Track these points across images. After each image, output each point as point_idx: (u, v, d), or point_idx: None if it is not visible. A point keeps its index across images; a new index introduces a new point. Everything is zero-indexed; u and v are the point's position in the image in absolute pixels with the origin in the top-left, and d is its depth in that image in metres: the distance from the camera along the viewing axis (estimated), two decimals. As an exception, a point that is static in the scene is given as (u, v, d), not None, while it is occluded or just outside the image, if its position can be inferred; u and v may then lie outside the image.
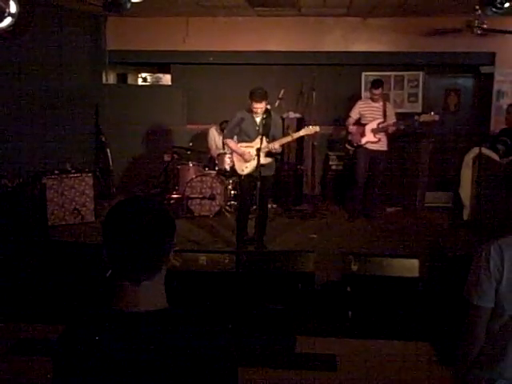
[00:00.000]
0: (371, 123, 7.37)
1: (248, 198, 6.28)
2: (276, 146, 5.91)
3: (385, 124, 7.32)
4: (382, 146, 7.42)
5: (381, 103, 7.42)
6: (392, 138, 7.55)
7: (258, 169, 5.76)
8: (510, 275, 1.94)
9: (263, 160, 5.83)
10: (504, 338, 1.98)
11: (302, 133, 6.13)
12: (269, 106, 6.04)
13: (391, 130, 7.32)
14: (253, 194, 6.28)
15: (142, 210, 1.46)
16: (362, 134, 7.40)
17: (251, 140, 6.01)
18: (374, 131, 7.34)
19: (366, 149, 7.41)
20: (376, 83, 7.43)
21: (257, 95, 5.81)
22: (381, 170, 7.57)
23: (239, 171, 6.13)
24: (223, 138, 6.52)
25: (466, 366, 2.06)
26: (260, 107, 5.84)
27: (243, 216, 6.25)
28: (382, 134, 7.36)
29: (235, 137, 6.20)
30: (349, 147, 7.64)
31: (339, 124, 8.55)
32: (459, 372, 2.11)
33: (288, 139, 6.10)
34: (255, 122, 6.00)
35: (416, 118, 7.25)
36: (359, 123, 7.49)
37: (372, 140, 7.37)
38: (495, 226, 5.75)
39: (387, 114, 7.37)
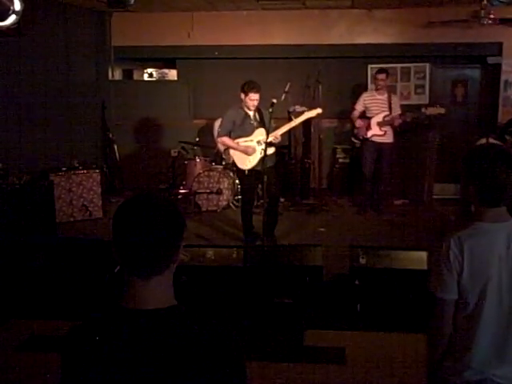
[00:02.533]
0: (377, 116, 7.33)
1: (252, 193, 6.21)
2: (278, 134, 5.81)
3: (390, 117, 7.28)
4: (388, 138, 7.38)
5: (386, 95, 7.37)
6: (398, 131, 7.52)
7: (264, 162, 5.67)
8: (469, 266, 1.96)
9: (267, 150, 5.71)
10: (469, 328, 2.00)
11: (304, 117, 6.01)
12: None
13: (397, 122, 7.28)
14: (255, 188, 6.22)
15: (153, 206, 1.46)
16: (368, 128, 7.36)
17: (248, 135, 5.90)
18: (380, 124, 7.30)
19: (373, 142, 7.37)
20: (381, 69, 7.45)
21: (256, 85, 5.71)
22: (388, 163, 7.52)
23: (242, 166, 5.95)
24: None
25: (436, 358, 2.07)
26: (257, 99, 5.73)
27: (248, 211, 6.13)
28: (388, 126, 7.33)
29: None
30: (355, 141, 7.62)
31: (346, 117, 8.52)
32: (429, 365, 2.12)
33: (291, 125, 5.98)
34: (249, 116, 5.89)
35: (423, 110, 7.20)
36: (364, 116, 7.46)
37: (378, 133, 7.33)
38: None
39: (392, 106, 7.33)
